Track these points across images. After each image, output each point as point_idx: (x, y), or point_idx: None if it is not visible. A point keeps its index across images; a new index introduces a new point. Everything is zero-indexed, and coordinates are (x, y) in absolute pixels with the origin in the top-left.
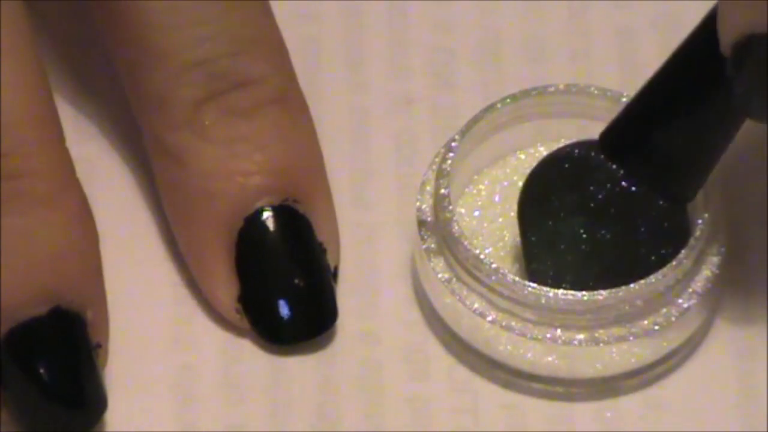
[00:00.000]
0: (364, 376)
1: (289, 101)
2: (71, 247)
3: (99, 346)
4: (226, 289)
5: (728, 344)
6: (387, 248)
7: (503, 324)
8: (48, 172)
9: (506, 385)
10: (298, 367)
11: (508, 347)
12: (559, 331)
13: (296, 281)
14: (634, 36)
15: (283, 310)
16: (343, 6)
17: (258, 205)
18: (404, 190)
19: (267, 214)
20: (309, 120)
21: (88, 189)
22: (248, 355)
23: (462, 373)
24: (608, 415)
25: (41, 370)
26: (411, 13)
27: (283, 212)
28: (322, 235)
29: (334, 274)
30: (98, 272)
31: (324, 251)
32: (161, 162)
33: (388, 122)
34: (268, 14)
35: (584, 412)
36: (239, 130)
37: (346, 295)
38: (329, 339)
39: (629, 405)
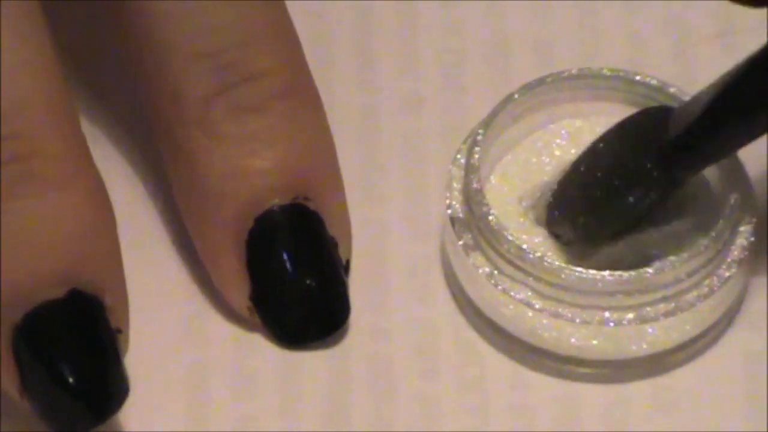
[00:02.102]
0: (375, 372)
1: (300, 94)
2: (86, 229)
3: (119, 331)
4: (238, 288)
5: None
6: (397, 245)
7: (550, 311)
8: (62, 154)
9: (553, 373)
10: (310, 362)
11: (554, 334)
12: (607, 313)
13: (308, 281)
14: (643, 38)
15: (294, 310)
16: (353, 5)
17: (269, 204)
18: (414, 188)
19: (277, 214)
20: (321, 113)
21: None
22: (260, 350)
23: (472, 371)
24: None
25: (59, 355)
26: (421, 14)
27: (294, 211)
28: (333, 228)
29: (346, 268)
30: (116, 256)
31: (336, 245)
32: (173, 160)
33: (397, 121)
34: (280, 5)
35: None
36: (249, 126)
37: (357, 291)
38: (341, 335)
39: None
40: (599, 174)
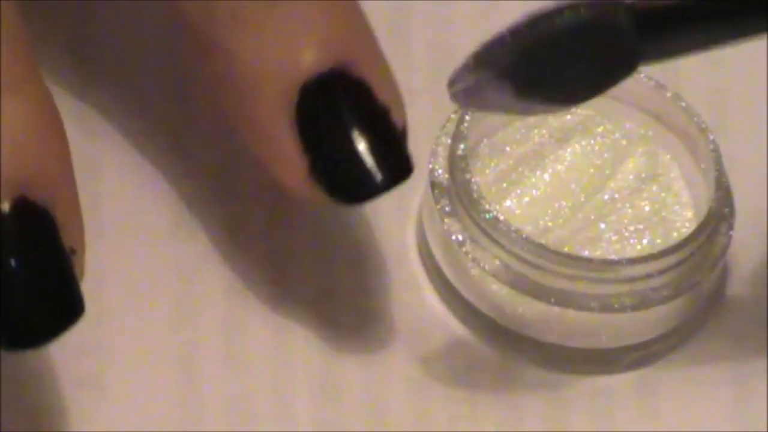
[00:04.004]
0: (368, 352)
1: None
2: (35, 137)
3: (73, 251)
4: (295, 164)
5: (726, 325)
6: (389, 233)
7: (516, 286)
8: (9, 63)
9: (509, 353)
10: (301, 342)
11: (518, 312)
12: (572, 297)
13: (363, 139)
14: None
15: (356, 167)
16: None
17: (314, 74)
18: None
19: (323, 83)
20: None
21: (92, 186)
22: (251, 330)
23: (462, 360)
24: (604, 390)
25: (5, 268)
26: (413, 8)
27: (339, 78)
28: (382, 94)
29: (403, 132)
30: (67, 170)
31: (388, 110)
32: (207, 59)
33: None
34: None
35: (581, 386)
36: (284, 7)
37: (349, 275)
38: (332, 314)
39: (625, 381)
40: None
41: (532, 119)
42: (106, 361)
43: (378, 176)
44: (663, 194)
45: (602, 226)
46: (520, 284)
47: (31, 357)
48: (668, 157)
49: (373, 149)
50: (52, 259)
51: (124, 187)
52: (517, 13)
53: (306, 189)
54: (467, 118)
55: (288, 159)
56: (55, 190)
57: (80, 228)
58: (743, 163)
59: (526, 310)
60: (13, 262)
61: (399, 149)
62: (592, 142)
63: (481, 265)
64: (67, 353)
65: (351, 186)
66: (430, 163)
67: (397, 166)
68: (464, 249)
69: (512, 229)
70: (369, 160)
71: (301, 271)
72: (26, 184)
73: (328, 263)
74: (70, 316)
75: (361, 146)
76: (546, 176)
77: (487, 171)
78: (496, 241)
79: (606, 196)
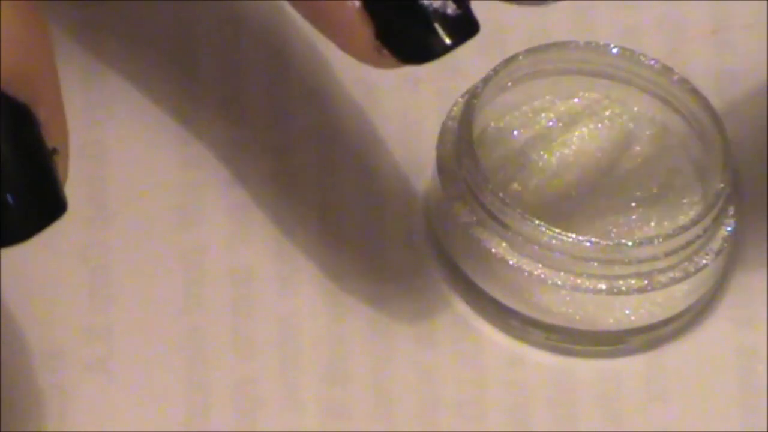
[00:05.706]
0: (375, 336)
1: None
2: (15, 34)
3: (56, 151)
4: (361, 31)
5: (730, 312)
6: (396, 217)
7: (524, 269)
8: None
9: (516, 336)
10: (308, 324)
11: (525, 295)
12: (580, 279)
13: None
14: (638, 33)
15: (426, 29)
16: None
17: None
18: (408, 162)
19: None
20: None
21: (100, 171)
22: (258, 313)
23: (469, 343)
24: (611, 372)
25: None
26: None
27: None
28: None
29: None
30: (49, 69)
31: None
32: None
33: (394, 98)
34: None
35: (588, 368)
36: None
37: (357, 260)
38: (339, 299)
39: (632, 364)
40: None
41: (537, 103)
42: (113, 345)
43: (444, 36)
44: (670, 177)
45: (609, 208)
46: (527, 267)
47: (38, 340)
48: (675, 140)
49: (439, 8)
50: (33, 157)
51: (131, 173)
52: (521, 14)
53: (373, 57)
54: (474, 101)
55: (354, 28)
56: (37, 88)
57: (63, 128)
58: (750, 146)
59: (534, 293)
60: None
61: (464, 5)
62: (600, 125)
63: (489, 248)
64: (74, 337)
65: (418, 47)
66: (437, 147)
67: (464, 22)
68: (471, 232)
69: (519, 212)
70: (435, 19)
71: (308, 255)
72: (6, 80)
73: (335, 247)
74: (51, 213)
75: (426, 6)
76: (553, 160)
77: (495, 155)
78: (503, 225)
79: (613, 179)
